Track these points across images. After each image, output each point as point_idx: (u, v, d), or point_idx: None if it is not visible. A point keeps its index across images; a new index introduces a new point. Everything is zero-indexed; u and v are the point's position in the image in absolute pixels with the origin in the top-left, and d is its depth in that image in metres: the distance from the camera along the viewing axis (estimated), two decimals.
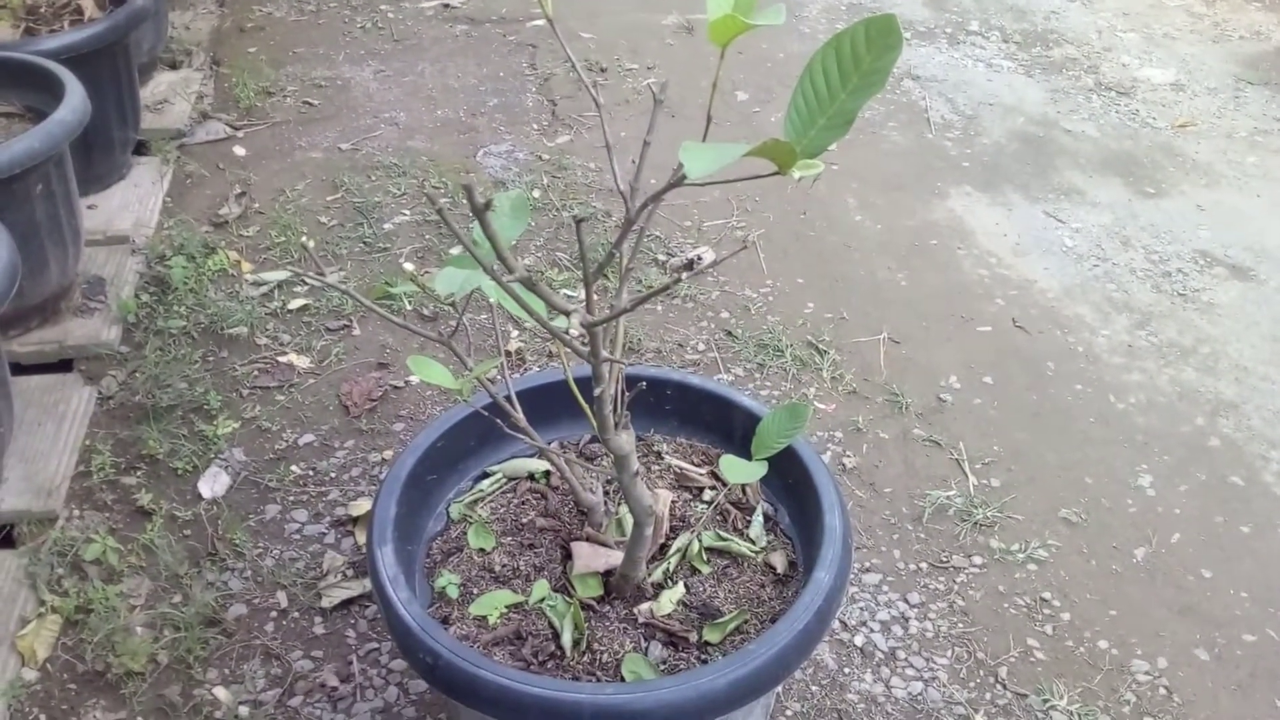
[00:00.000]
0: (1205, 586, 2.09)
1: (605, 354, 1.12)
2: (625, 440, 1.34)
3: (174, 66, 3.65)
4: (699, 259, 2.88)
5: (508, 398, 1.54)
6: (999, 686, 1.88)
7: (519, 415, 1.47)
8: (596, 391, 1.17)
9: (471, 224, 1.27)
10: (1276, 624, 2.02)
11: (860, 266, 2.93)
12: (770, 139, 0.83)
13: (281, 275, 2.71)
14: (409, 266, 2.79)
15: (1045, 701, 1.86)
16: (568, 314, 0.91)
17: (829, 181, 3.28)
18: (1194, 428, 2.46)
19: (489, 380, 2.00)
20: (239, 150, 3.29)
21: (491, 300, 1.35)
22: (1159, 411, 2.50)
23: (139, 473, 2.20)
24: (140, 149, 3.20)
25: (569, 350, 1.14)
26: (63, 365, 2.44)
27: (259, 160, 3.25)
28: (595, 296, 1.03)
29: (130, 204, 2.93)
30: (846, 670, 1.90)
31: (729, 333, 2.65)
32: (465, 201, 2.93)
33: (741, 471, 1.43)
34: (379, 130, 3.44)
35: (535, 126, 3.50)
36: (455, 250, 2.85)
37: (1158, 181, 3.40)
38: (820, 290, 2.82)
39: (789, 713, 1.82)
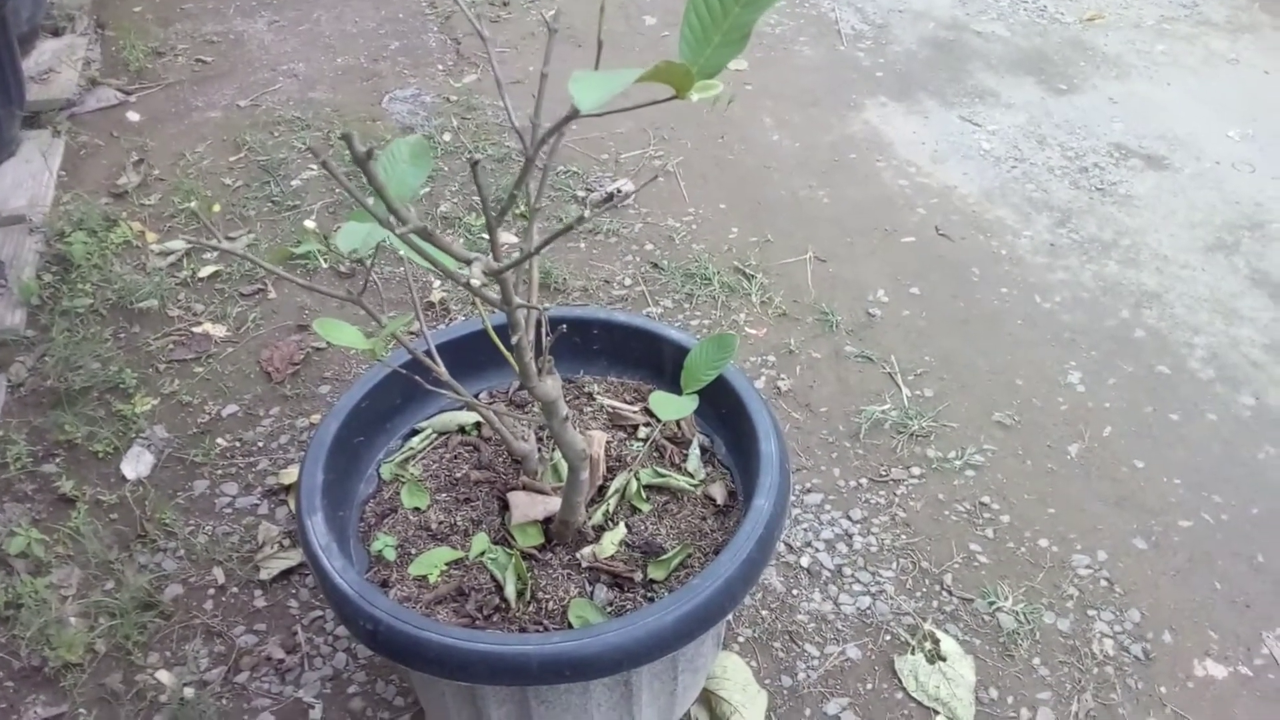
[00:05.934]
0: (1139, 477, 2.12)
1: (519, 300, 1.08)
2: (551, 386, 1.30)
3: (57, 33, 3.48)
4: (619, 191, 2.83)
5: (427, 352, 1.49)
6: (945, 593, 1.90)
7: (441, 369, 1.42)
8: (513, 340, 1.13)
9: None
10: (1211, 508, 2.06)
11: (781, 187, 2.90)
12: (663, 61, 0.79)
13: (185, 244, 2.62)
14: (310, 225, 2.71)
15: (991, 604, 1.88)
16: (469, 263, 0.87)
17: (744, 102, 3.23)
18: (1119, 321, 2.48)
19: (410, 334, 1.94)
20: (133, 116, 3.15)
21: (401, 253, 1.30)
22: (1084, 308, 2.52)
23: (58, 460, 2.12)
24: (29, 122, 3.05)
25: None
26: None
27: (155, 124, 3.12)
28: (518, 238, 1.00)
29: (23, 181, 2.81)
30: (795, 592, 1.90)
31: (655, 265, 2.61)
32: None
33: (671, 407, 1.41)
34: (278, 84, 3.32)
35: (440, 67, 3.41)
36: (373, 202, 2.77)
37: (1069, 77, 3.40)
38: (743, 214, 2.79)
39: (741, 639, 1.82)
